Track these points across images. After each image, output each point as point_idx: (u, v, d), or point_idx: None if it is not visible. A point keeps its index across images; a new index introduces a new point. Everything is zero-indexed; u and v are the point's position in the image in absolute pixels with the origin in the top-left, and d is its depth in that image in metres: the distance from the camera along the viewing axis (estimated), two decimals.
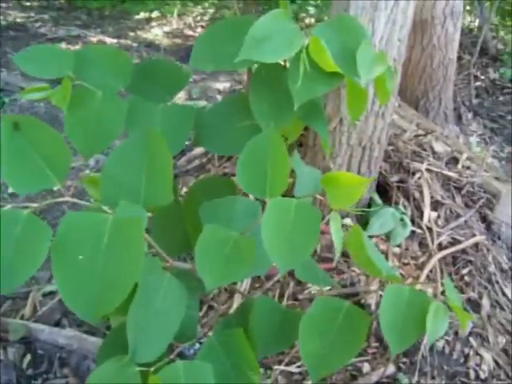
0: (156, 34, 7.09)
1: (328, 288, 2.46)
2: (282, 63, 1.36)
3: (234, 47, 1.23)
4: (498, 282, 2.77)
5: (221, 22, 1.45)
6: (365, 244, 1.30)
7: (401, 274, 2.59)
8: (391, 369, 2.30)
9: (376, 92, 1.43)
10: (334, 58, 1.18)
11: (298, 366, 2.29)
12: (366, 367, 2.31)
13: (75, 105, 1.43)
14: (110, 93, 1.46)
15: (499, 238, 3.20)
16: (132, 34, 7.03)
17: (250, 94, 1.39)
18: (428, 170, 2.97)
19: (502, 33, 7.47)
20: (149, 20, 7.82)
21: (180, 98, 5.03)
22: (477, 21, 6.71)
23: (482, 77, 6.16)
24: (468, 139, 4.47)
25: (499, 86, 6.17)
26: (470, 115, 5.02)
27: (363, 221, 2.78)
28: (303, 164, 1.64)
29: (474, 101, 5.56)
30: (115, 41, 6.54)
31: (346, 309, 1.33)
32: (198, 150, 3.73)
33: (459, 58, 6.01)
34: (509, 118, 5.51)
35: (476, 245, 2.83)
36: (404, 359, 2.35)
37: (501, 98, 5.95)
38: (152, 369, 1.19)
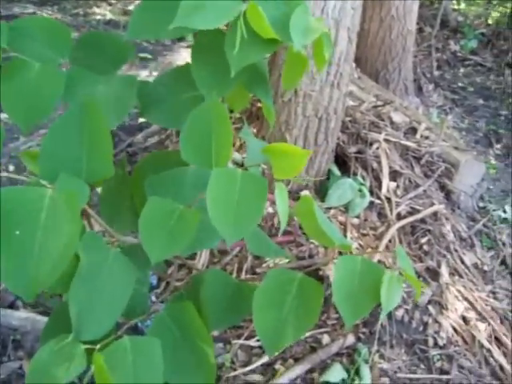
0: (115, 11, 6.93)
1: (287, 261, 2.44)
2: (224, 29, 1.31)
3: (173, 15, 1.19)
4: (456, 251, 2.79)
5: None
6: (315, 213, 1.27)
7: (360, 245, 2.58)
8: (351, 339, 2.30)
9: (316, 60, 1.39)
10: (271, 23, 1.14)
11: (258, 340, 2.27)
12: (325, 339, 2.30)
13: (11, 77, 1.36)
14: (48, 64, 1.40)
15: (458, 207, 3.22)
16: (90, 10, 6.86)
17: (191, 62, 1.34)
18: (386, 141, 2.96)
19: (462, 5, 7.49)
20: None
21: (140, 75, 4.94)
22: None
23: (443, 49, 6.18)
24: (428, 110, 4.48)
25: (460, 57, 6.19)
26: (430, 86, 5.03)
27: (322, 192, 2.77)
28: (252, 135, 1.60)
29: (435, 72, 5.57)
30: (71, 18, 6.38)
31: (299, 280, 1.30)
32: (156, 127, 3.66)
33: (420, 31, 6.02)
34: (470, 89, 5.54)
35: (435, 214, 2.83)
36: (363, 329, 2.35)
37: (462, 70, 5.98)
38: (98, 346, 1.15)
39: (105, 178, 1.29)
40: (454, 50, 6.26)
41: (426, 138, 3.19)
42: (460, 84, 5.59)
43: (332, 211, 2.67)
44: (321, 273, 2.43)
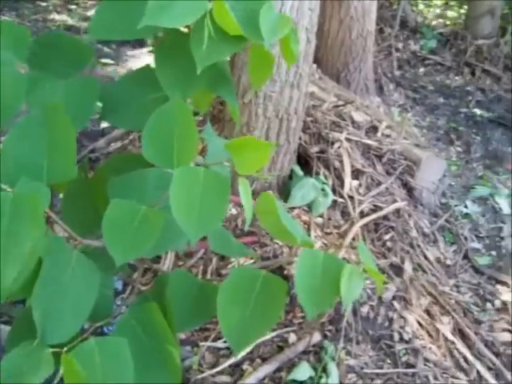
0: (75, 17, 6.86)
1: (251, 262, 2.44)
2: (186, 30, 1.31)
3: (138, 14, 1.18)
4: (419, 246, 2.82)
5: None
6: (277, 210, 1.28)
7: (324, 244, 2.60)
8: (317, 337, 2.31)
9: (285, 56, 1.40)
10: (237, 21, 1.14)
11: (225, 342, 2.26)
12: (292, 337, 2.31)
13: None
14: (8, 67, 1.37)
15: (421, 204, 3.26)
16: (50, 17, 6.78)
17: (155, 64, 1.34)
18: (348, 140, 2.98)
19: (421, 6, 7.61)
20: (68, 2, 7.55)
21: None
22: None
23: (403, 49, 6.26)
24: (390, 109, 4.53)
25: (420, 57, 6.28)
26: (391, 86, 5.09)
27: (285, 193, 2.78)
28: (214, 134, 1.60)
29: (396, 72, 5.64)
30: (30, 24, 6.29)
31: (262, 278, 1.31)
32: (119, 132, 3.63)
33: (380, 31, 6.10)
34: (430, 88, 5.62)
35: (397, 211, 2.87)
36: (329, 327, 2.36)
37: (422, 69, 6.07)
38: (65, 349, 1.14)
39: (67, 180, 1.29)
40: (413, 49, 6.35)
41: (388, 136, 3.23)
42: (420, 83, 5.67)
43: (295, 211, 2.68)
44: (286, 272, 2.44)
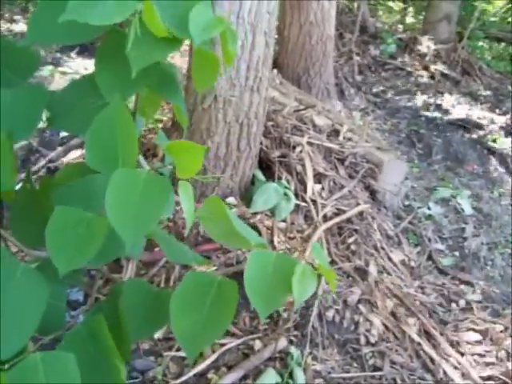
0: None
1: (214, 269, 2.40)
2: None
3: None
4: (383, 249, 2.82)
5: None
6: (229, 214, 1.25)
7: (287, 248, 2.57)
8: (283, 343, 2.27)
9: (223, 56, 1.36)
10: (170, 22, 1.10)
11: None
12: (257, 344, 2.27)
13: None
14: None
15: (384, 207, 3.27)
16: (5, 26, 6.66)
17: (94, 67, 1.29)
18: (309, 144, 2.97)
19: (380, 12, 7.70)
20: (25, 11, 7.43)
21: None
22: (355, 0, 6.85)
23: (364, 54, 6.31)
24: (351, 113, 4.55)
25: (380, 62, 6.35)
26: (352, 90, 5.12)
27: (247, 198, 2.75)
28: (167, 140, 1.57)
29: (357, 77, 5.68)
30: None
31: (218, 283, 1.27)
32: (78, 141, 3.55)
33: (340, 36, 6.14)
34: (391, 92, 5.68)
35: (361, 214, 2.86)
36: (295, 332, 2.33)
37: (383, 74, 6.12)
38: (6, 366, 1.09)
39: (6, 190, 1.24)
40: (373, 54, 6.41)
41: (349, 139, 3.23)
42: (381, 87, 5.72)
43: (258, 216, 2.65)
44: None
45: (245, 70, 2.46)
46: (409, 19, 7.86)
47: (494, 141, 4.59)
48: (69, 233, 1.15)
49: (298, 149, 2.91)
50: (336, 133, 3.22)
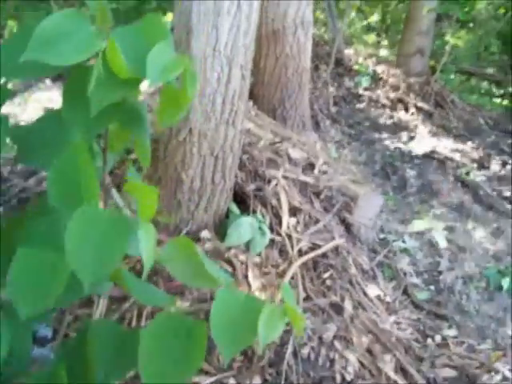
0: None
1: (188, 304, 2.35)
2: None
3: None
4: (359, 283, 2.79)
5: (29, 24, 1.31)
6: (199, 255, 1.21)
7: (262, 284, 2.53)
8: (257, 381, 2.22)
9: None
10: (132, 60, 1.08)
11: None
12: (231, 382, 2.22)
13: None
14: None
15: (359, 240, 3.25)
16: None
17: (61, 103, 1.26)
18: (284, 177, 2.95)
19: (354, 44, 7.81)
20: None
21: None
22: (330, 33, 6.93)
23: (339, 86, 6.37)
24: (326, 145, 4.56)
25: (355, 94, 6.41)
26: (328, 122, 5.14)
27: (222, 231, 2.71)
28: (138, 176, 1.55)
29: (332, 109, 5.72)
30: None
31: (188, 324, 1.24)
32: None
33: (316, 69, 6.20)
34: (366, 124, 5.73)
35: (336, 248, 2.84)
36: (270, 370, 2.28)
37: (357, 106, 6.18)
38: None
39: None
40: (348, 86, 6.48)
41: (325, 172, 3.22)
42: (356, 119, 5.77)
43: (232, 250, 2.61)
44: None
45: (220, 103, 2.44)
46: (382, 51, 7.97)
47: (467, 173, 4.64)
48: (31, 276, 1.12)
49: (274, 182, 2.89)
50: (311, 166, 3.21)
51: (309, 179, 3.06)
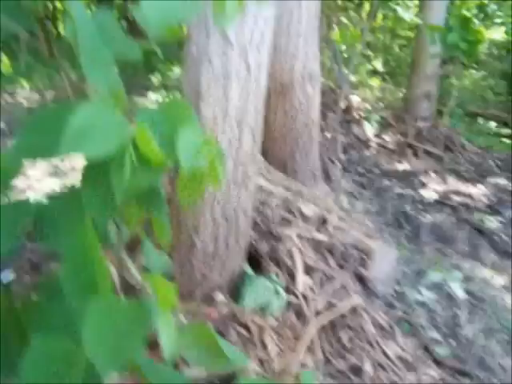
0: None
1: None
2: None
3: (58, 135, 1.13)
4: (378, 343, 2.73)
5: (50, 107, 1.33)
6: (218, 340, 1.19)
7: (279, 349, 2.48)
8: None
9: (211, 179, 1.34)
10: (159, 144, 1.08)
11: None
12: None
13: None
14: None
15: (376, 296, 3.20)
16: None
17: (81, 184, 1.27)
18: (298, 236, 2.92)
19: (361, 89, 7.87)
20: None
21: None
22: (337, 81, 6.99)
23: (347, 133, 6.40)
24: (338, 197, 4.54)
25: (363, 140, 6.43)
26: (338, 173, 5.14)
27: (236, 293, 2.67)
28: (152, 248, 1.54)
29: (342, 156, 5.72)
30: None
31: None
32: None
33: (324, 117, 6.23)
34: (376, 171, 5.72)
35: (354, 308, 2.78)
36: None
37: (366, 153, 6.19)
38: None
39: None
40: (356, 133, 6.50)
41: (338, 228, 3.19)
42: (366, 166, 5.77)
43: (248, 314, 2.57)
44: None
45: (232, 166, 2.44)
46: (389, 96, 8.03)
47: (482, 220, 4.59)
48: (46, 366, 1.10)
49: (287, 242, 2.86)
50: (324, 222, 3.18)
51: (322, 237, 3.03)
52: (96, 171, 1.28)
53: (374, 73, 9.72)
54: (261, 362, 2.40)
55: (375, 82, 9.08)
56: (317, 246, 3.00)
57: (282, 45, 3.89)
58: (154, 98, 7.51)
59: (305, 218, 3.14)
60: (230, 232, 2.56)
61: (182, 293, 2.64)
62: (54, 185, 4.66)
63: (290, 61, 3.98)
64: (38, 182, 4.72)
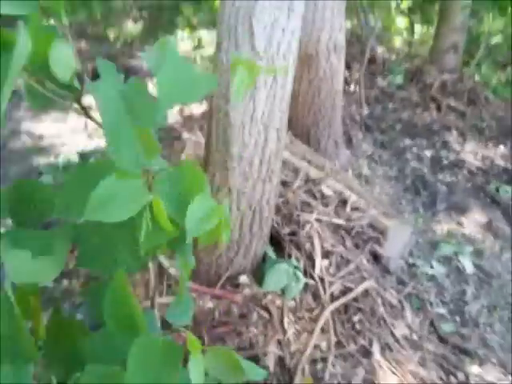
0: None
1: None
2: None
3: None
4: (386, 323, 2.95)
5: (89, 165, 1.47)
6: (239, 362, 1.38)
7: (296, 330, 2.72)
8: None
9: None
10: (175, 207, 1.24)
11: None
12: None
13: None
14: None
15: (388, 272, 3.41)
16: None
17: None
18: (318, 220, 3.11)
19: (388, 41, 7.79)
20: None
21: None
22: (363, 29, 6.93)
23: (371, 85, 6.42)
24: (358, 161, 4.68)
25: (388, 93, 6.45)
26: (360, 135, 5.24)
27: (258, 275, 2.89)
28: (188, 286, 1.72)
29: (365, 111, 5.79)
30: None
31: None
32: None
33: (348, 67, 6.23)
34: (397, 127, 5.78)
35: (366, 290, 2.99)
36: None
37: (390, 106, 6.23)
38: None
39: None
40: (381, 85, 6.52)
41: (356, 208, 3.36)
42: (389, 122, 5.82)
43: (269, 296, 2.80)
44: (261, 363, 2.55)
45: (258, 164, 2.59)
46: (415, 49, 7.93)
47: (497, 189, 4.71)
48: None
49: (307, 226, 3.05)
50: (343, 203, 3.35)
51: (341, 221, 3.21)
52: (123, 230, 1.45)
53: (402, 12, 9.52)
54: (279, 344, 2.65)
55: (403, 21, 8.90)
56: (335, 228, 3.19)
57: (309, 17, 3.94)
58: (180, 36, 7.54)
59: (324, 199, 3.31)
60: (254, 221, 2.75)
61: (209, 275, 2.88)
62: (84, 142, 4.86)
63: (316, 32, 4.03)
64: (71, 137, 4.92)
